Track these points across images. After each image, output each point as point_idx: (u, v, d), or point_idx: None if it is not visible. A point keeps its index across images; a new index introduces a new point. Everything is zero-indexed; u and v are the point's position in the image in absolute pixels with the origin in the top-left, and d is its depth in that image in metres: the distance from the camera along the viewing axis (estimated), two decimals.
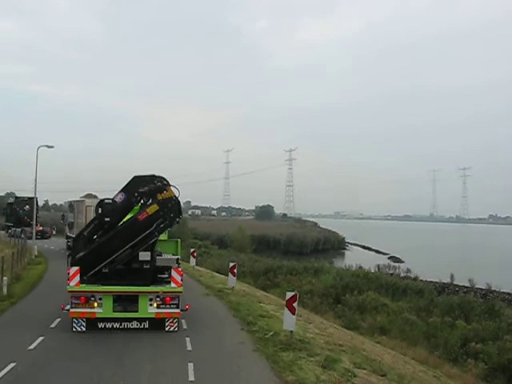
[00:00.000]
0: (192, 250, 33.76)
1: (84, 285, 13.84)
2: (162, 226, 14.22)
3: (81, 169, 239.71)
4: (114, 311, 13.91)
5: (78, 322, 13.82)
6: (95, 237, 14.54)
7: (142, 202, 14.55)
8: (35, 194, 32.21)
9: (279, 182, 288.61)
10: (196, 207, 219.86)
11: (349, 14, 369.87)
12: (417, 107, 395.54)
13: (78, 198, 38.23)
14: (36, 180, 32.76)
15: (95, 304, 13.79)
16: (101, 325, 13.91)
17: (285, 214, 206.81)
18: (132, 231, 14.00)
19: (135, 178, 14.50)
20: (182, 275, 14.51)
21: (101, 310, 13.82)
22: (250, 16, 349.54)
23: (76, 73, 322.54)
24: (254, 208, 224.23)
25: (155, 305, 14.07)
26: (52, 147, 31.23)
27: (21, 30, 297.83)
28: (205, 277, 28.28)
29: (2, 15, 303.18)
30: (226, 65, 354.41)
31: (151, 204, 14.17)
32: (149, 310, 14.05)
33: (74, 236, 34.07)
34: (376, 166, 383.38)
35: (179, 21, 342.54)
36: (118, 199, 14.30)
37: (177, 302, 14.21)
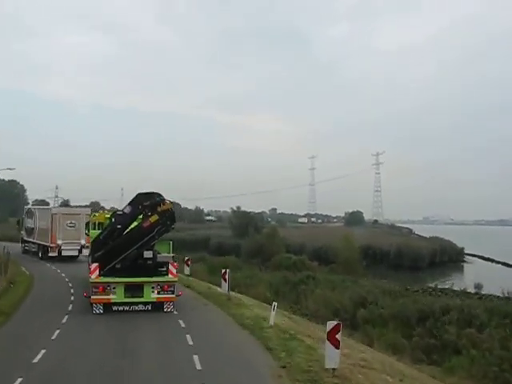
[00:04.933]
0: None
1: (102, 277, 16.42)
2: (161, 231, 16.89)
3: (165, 179, 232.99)
4: (124, 297, 16.52)
5: (97, 306, 16.41)
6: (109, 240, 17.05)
7: (144, 212, 16.93)
8: None
9: (366, 187, 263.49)
10: (282, 214, 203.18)
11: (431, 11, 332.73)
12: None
13: (38, 206, 40.56)
14: None
15: (110, 292, 16.37)
16: (114, 308, 16.52)
17: (376, 220, 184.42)
18: (138, 235, 16.63)
19: (139, 194, 17.22)
20: (176, 268, 17.40)
21: (115, 297, 16.44)
22: (326, 22, 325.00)
23: (159, 85, 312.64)
24: (341, 214, 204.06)
25: (156, 291, 16.75)
26: (13, 169, 28.73)
27: (102, 44, 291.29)
28: None
29: (85, 30, 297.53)
30: (307, 72, 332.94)
31: (152, 214, 16.68)
32: (151, 295, 16.72)
33: (33, 240, 36.97)
34: (462, 162, 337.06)
35: (265, 31, 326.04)
36: (126, 211, 17.12)
37: (173, 289, 16.97)
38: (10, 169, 32.77)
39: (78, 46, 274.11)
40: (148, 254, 16.87)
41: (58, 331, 13.78)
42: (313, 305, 29.28)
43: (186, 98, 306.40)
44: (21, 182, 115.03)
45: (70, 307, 17.54)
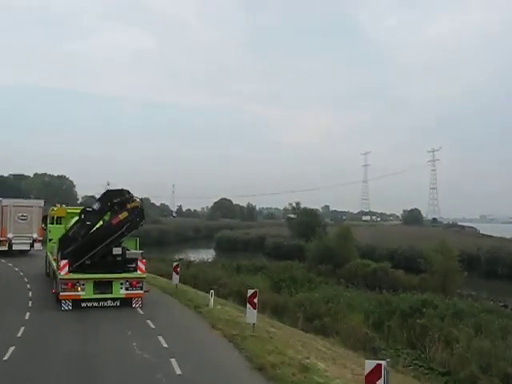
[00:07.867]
0: None
1: (71, 274, 15.57)
2: (130, 228, 16.11)
3: (216, 176, 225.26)
4: (93, 293, 15.76)
5: (66, 302, 15.52)
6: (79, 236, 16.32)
7: (113, 209, 16.15)
8: None
9: (420, 184, 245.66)
10: (335, 212, 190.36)
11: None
12: None
13: None
14: None
15: (79, 288, 15.60)
16: (83, 304, 15.68)
17: (434, 219, 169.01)
18: (107, 232, 15.97)
19: (108, 191, 17.14)
20: (145, 264, 16.82)
21: (84, 293, 15.65)
22: (377, 14, 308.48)
23: (206, 83, 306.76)
24: (395, 212, 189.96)
25: (125, 288, 16.08)
26: None
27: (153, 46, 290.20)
28: None
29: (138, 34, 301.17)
30: (354, 66, 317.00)
31: (122, 211, 15.94)
32: (120, 291, 16.04)
33: None
34: None
35: (309, 26, 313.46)
36: (95, 207, 16.33)
37: (141, 285, 16.33)
38: None
39: (125, 44, 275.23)
40: (117, 250, 16.36)
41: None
42: (452, 358, 17.25)
43: (235, 93, 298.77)
44: (70, 178, 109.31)
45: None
